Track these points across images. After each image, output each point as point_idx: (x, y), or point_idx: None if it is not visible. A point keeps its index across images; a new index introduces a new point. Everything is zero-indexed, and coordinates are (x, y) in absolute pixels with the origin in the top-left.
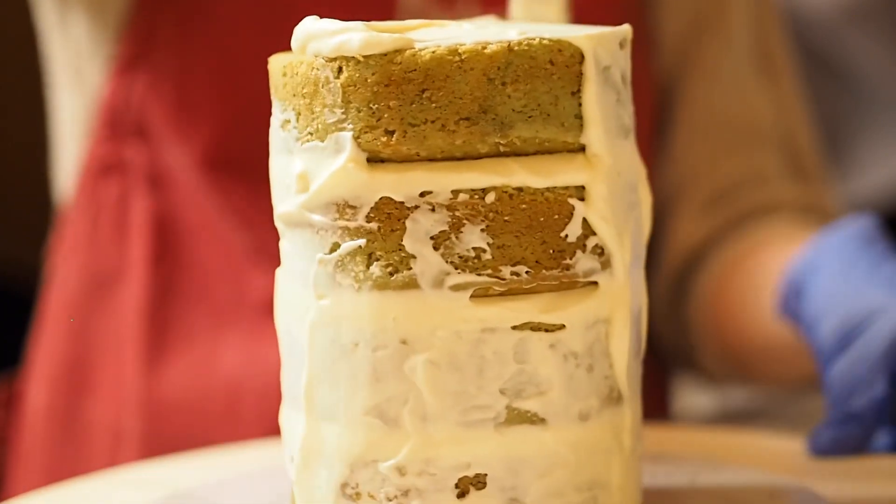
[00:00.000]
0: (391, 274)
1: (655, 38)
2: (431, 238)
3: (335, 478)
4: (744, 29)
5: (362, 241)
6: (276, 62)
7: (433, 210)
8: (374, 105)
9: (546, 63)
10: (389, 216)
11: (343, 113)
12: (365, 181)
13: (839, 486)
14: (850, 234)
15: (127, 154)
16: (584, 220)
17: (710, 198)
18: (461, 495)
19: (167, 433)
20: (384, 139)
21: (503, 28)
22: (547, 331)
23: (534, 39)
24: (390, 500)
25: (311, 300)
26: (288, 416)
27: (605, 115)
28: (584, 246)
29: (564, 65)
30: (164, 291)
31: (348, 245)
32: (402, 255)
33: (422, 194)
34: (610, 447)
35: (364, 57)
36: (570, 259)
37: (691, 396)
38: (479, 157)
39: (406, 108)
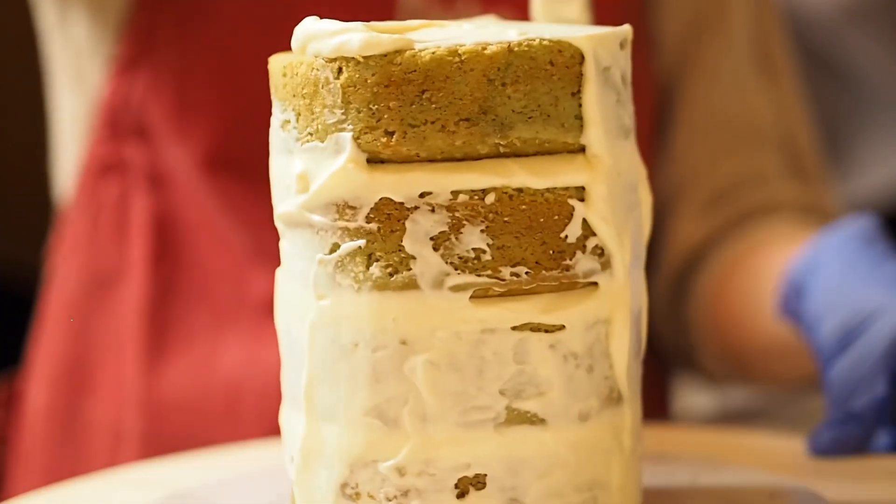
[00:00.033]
0: (391, 274)
1: (655, 38)
2: (431, 239)
3: (335, 478)
4: (744, 29)
5: (362, 242)
6: (276, 62)
7: (433, 211)
8: (373, 106)
9: (546, 64)
10: (389, 217)
11: (343, 113)
12: (365, 182)
13: (840, 486)
14: (851, 234)
15: (127, 154)
16: (584, 220)
17: (710, 198)
18: (461, 496)
19: (167, 433)
20: (384, 140)
21: (503, 28)
22: (547, 331)
23: (534, 40)
24: (390, 501)
25: (311, 300)
26: (288, 417)
27: (605, 115)
28: (584, 247)
29: (564, 65)
30: (164, 291)
31: (348, 245)
32: (402, 255)
33: (422, 195)
34: (610, 447)
35: (364, 57)
36: (570, 260)
37: (691, 396)
38: (478, 157)
39: (406, 109)
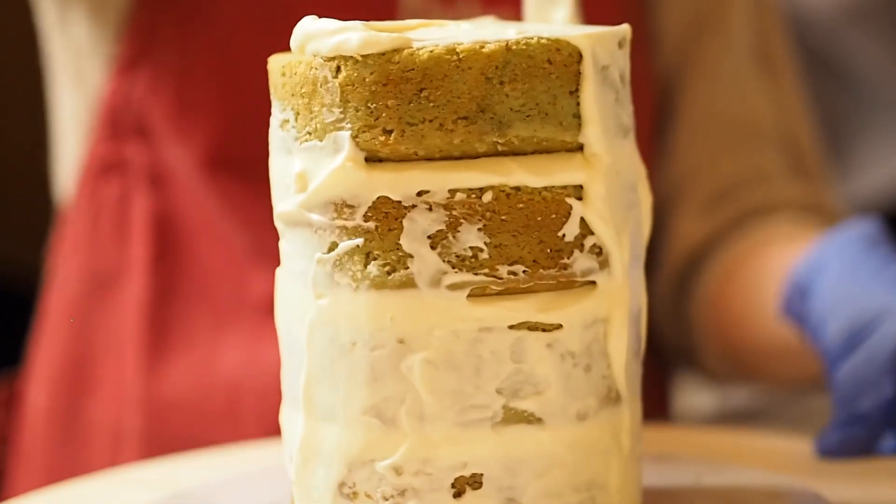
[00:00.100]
0: (388, 273)
1: (656, 38)
2: (429, 237)
3: (333, 477)
4: (744, 28)
5: (360, 241)
6: (276, 62)
7: (430, 209)
8: (372, 104)
9: (544, 62)
10: (387, 215)
11: (341, 112)
12: (363, 180)
13: (843, 486)
14: (855, 236)
15: (127, 154)
16: (582, 219)
17: (711, 197)
18: (458, 495)
19: (167, 433)
20: (382, 138)
21: (502, 28)
22: (544, 330)
23: (532, 39)
24: (387, 500)
25: (310, 300)
26: (288, 416)
27: (603, 114)
28: (582, 245)
29: (562, 64)
30: (164, 291)
31: (346, 244)
32: (400, 254)
33: (419, 193)
34: (608, 447)
35: (362, 56)
36: (568, 258)
37: (692, 396)
38: (476, 156)
39: (404, 108)
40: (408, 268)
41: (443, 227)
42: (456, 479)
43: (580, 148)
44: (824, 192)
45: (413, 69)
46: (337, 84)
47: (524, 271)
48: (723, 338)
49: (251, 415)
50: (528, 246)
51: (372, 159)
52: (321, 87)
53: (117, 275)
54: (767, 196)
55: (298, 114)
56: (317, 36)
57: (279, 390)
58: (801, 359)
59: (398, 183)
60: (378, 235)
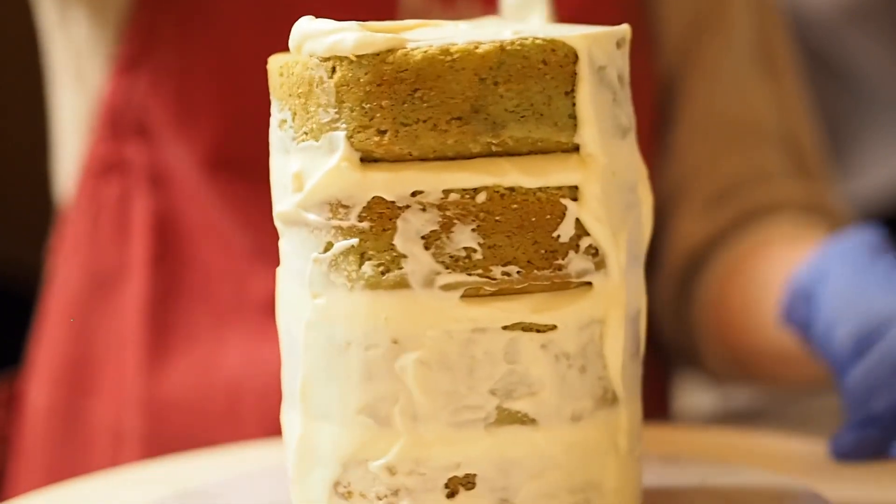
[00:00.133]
0: (382, 273)
1: (656, 37)
2: (422, 238)
3: (329, 476)
4: (745, 27)
5: (355, 241)
6: (274, 62)
7: (424, 210)
8: (366, 105)
9: (539, 63)
10: (381, 216)
11: (336, 112)
12: (357, 180)
13: (847, 488)
14: (857, 242)
15: (128, 154)
16: (577, 220)
17: (712, 197)
18: (451, 495)
19: (168, 433)
20: (376, 139)
21: (499, 28)
22: (538, 331)
23: (527, 39)
24: (381, 500)
25: (307, 299)
26: (287, 416)
27: (599, 114)
28: (577, 246)
29: (558, 64)
30: (165, 291)
31: (341, 244)
32: (394, 254)
33: (413, 194)
34: (605, 449)
35: (357, 57)
36: (563, 259)
37: (692, 396)
38: (471, 156)
39: (398, 108)
40: (402, 268)
41: (436, 227)
42: (449, 480)
43: (576, 149)
44: (825, 191)
45: (407, 70)
46: (332, 84)
47: (518, 272)
48: (723, 339)
49: (252, 415)
50: (523, 247)
51: (367, 159)
52: (317, 87)
53: (118, 275)
54: (768, 196)
55: (295, 114)
56: (313, 36)
57: (280, 390)
58: (801, 362)
59: (392, 183)
60: (372, 235)
